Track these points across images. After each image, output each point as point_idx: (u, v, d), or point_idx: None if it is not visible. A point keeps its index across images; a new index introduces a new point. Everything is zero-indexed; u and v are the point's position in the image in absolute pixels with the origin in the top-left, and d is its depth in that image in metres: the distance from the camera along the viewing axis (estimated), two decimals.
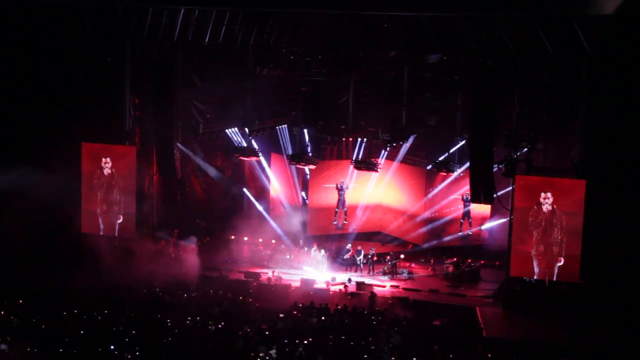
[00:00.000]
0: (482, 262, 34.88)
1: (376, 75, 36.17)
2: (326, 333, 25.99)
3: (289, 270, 34.40)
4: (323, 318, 27.72)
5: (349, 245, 35.61)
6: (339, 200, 37.20)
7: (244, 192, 39.66)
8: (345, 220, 37.41)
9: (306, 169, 36.91)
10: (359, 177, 36.93)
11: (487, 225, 35.49)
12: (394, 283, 33.08)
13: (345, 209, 37.35)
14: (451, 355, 24.44)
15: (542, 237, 29.46)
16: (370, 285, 32.04)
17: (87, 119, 34.21)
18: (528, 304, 29.88)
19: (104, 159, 33.98)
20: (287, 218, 37.87)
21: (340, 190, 37.08)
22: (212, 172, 39.34)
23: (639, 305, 28.01)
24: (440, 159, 34.78)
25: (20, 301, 27.99)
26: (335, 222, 37.38)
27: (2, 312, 26.59)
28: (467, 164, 32.27)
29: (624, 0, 26.15)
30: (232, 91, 37.60)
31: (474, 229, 35.84)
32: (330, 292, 31.54)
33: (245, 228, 36.82)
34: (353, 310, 28.80)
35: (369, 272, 34.33)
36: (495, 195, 30.60)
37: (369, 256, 34.52)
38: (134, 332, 25.12)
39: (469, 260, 34.56)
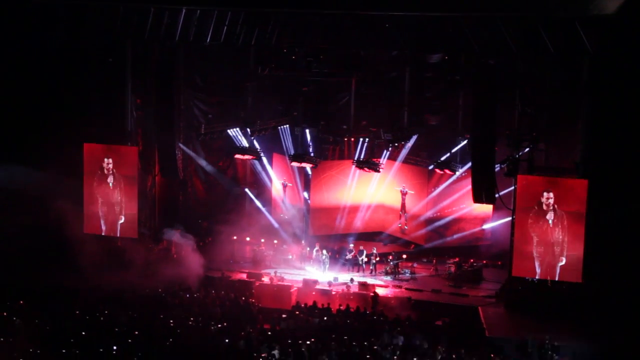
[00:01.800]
0: (484, 262, 34.85)
1: (377, 75, 36.23)
2: (329, 333, 26.02)
3: (291, 270, 34.37)
4: (325, 318, 27.78)
5: (351, 245, 35.58)
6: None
7: (245, 193, 39.62)
8: (406, 226, 37.41)
9: (308, 169, 36.91)
10: (361, 177, 36.92)
11: (489, 225, 35.49)
12: (396, 283, 33.07)
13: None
14: (454, 355, 24.46)
15: (544, 237, 29.44)
16: (373, 286, 32.01)
17: (88, 119, 34.25)
18: (530, 304, 29.83)
19: (105, 160, 33.94)
20: (289, 218, 37.88)
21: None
22: (214, 172, 39.34)
23: None
24: (442, 158, 34.80)
25: (21, 302, 27.99)
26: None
27: (5, 313, 26.60)
28: (469, 164, 32.23)
29: (625, 0, 26.16)
30: (233, 91, 37.69)
31: (477, 229, 35.86)
32: (333, 293, 31.46)
33: (247, 228, 36.83)
34: (355, 311, 28.82)
35: (371, 273, 34.31)
36: (497, 195, 30.55)
37: (371, 256, 34.50)
38: (136, 332, 25.14)
39: (471, 260, 34.54)
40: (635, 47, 27.59)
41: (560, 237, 29.15)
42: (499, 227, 34.76)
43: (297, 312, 28.54)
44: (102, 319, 26.75)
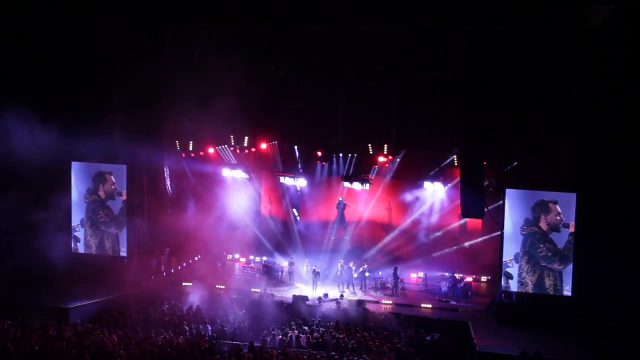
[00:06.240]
0: (474, 276, 34.84)
1: (366, 90, 36.20)
2: (319, 349, 25.93)
3: (281, 286, 34.31)
4: (315, 334, 27.67)
5: (341, 261, 35.54)
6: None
7: (236, 210, 39.55)
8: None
9: (297, 185, 36.88)
10: (350, 192, 36.92)
11: (478, 239, 35.51)
12: (386, 299, 33.02)
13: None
14: None
15: (533, 250, 29.45)
16: (363, 301, 31.96)
17: (76, 138, 34.09)
18: (520, 318, 29.82)
19: (94, 178, 33.83)
20: (278, 234, 37.83)
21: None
22: (202, 189, 39.25)
23: (631, 318, 28.02)
24: (431, 173, 34.82)
25: (8, 322, 27.78)
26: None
27: None
28: (458, 179, 32.26)
29: (610, 14, 26.36)
30: (222, 108, 37.59)
31: (466, 243, 35.86)
32: (323, 308, 31.43)
33: (237, 245, 36.75)
34: (345, 326, 28.74)
35: (361, 288, 34.29)
36: (486, 210, 30.56)
37: (361, 272, 34.44)
38: (127, 351, 24.96)
39: (461, 275, 34.52)
40: (621, 60, 27.75)
41: (550, 250, 29.20)
42: (488, 241, 34.75)
43: (287, 329, 28.45)
44: (91, 337, 26.57)
